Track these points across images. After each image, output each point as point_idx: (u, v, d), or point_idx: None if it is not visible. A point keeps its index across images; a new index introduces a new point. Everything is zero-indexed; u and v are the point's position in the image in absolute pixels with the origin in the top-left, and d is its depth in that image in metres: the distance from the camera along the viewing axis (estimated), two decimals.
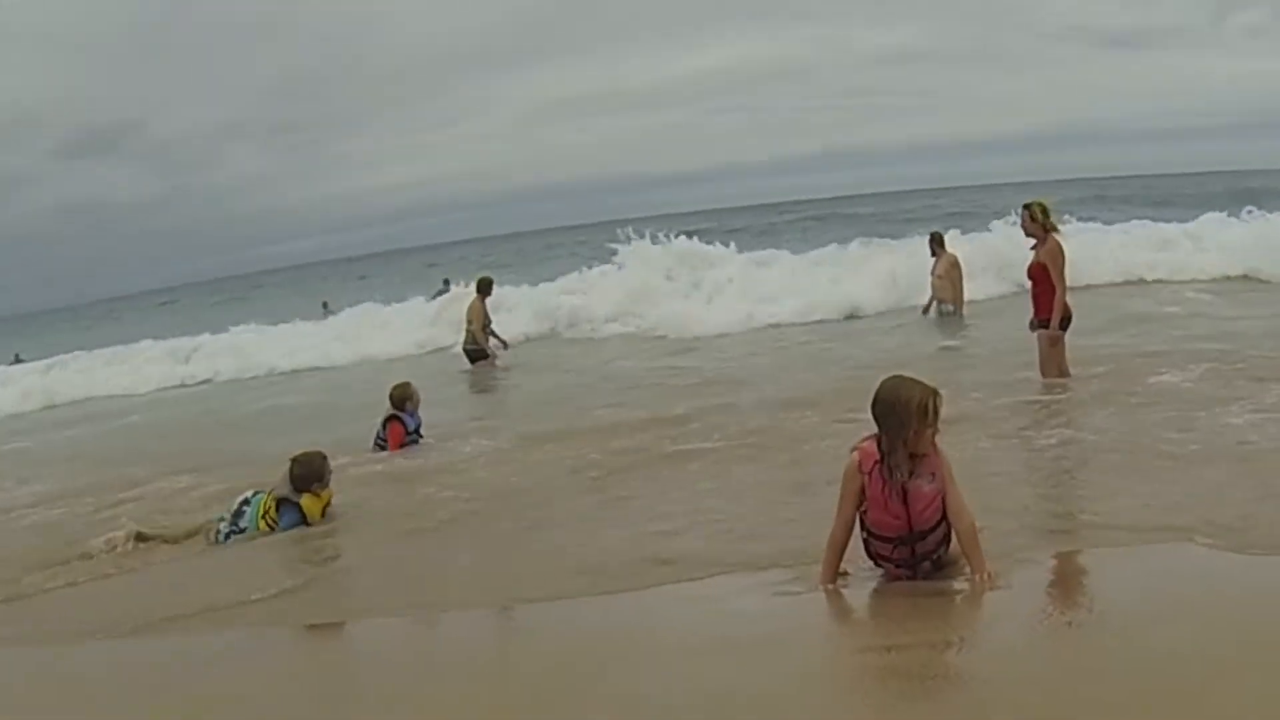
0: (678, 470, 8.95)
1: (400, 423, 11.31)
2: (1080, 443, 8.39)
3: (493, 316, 18.75)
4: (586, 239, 62.46)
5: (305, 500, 8.13)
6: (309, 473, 8.18)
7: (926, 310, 17.95)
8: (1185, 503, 6.48)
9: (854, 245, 24.95)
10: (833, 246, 25.42)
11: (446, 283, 31.25)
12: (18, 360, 32.65)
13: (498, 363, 18.35)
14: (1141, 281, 19.91)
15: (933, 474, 5.43)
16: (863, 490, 5.49)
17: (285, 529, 8.06)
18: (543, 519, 8.08)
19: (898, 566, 5.64)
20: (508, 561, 7.28)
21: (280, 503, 8.14)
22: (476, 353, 18.30)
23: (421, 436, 11.52)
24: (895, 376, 5.54)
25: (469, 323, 18.41)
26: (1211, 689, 4.00)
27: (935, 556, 5.63)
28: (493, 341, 18.68)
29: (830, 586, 5.62)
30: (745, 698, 4.41)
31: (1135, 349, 12.24)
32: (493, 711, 4.60)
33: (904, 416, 5.33)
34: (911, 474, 5.40)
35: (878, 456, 5.43)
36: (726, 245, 25.85)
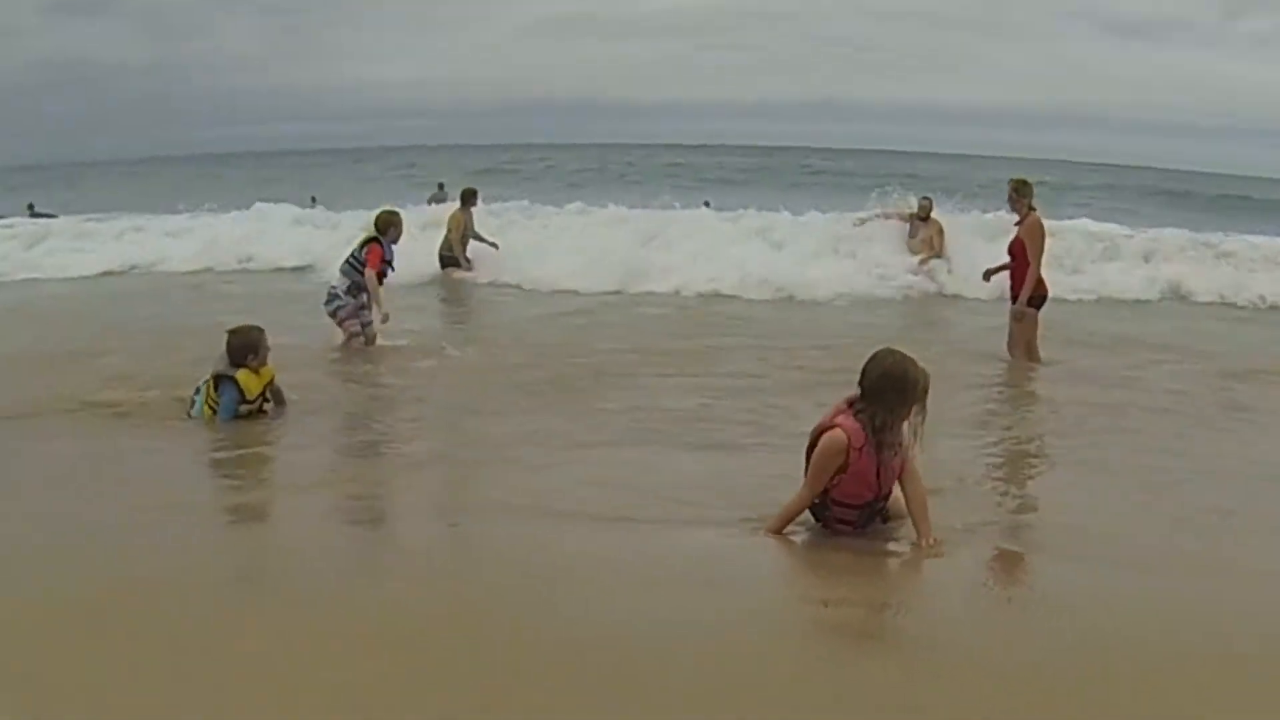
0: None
1: (380, 245, 11.30)
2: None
3: (477, 228, 18.63)
4: (572, 160, 62.31)
5: (241, 375, 8.01)
6: (245, 344, 8.03)
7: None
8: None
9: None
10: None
11: (441, 187, 30.82)
12: (34, 212, 31.32)
13: (466, 274, 18.17)
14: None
15: (897, 446, 5.46)
16: (846, 465, 5.46)
17: (225, 407, 7.98)
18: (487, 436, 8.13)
19: (853, 528, 5.68)
20: (455, 477, 7.28)
21: (218, 380, 8.03)
22: (449, 259, 18.24)
23: (393, 269, 11.55)
24: (896, 352, 5.48)
25: (448, 230, 18.33)
26: (1151, 673, 4.09)
27: (882, 512, 5.74)
28: (477, 247, 18.51)
29: (772, 534, 5.61)
30: (685, 630, 4.43)
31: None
32: (432, 618, 4.58)
33: (909, 397, 5.34)
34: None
35: (866, 434, 5.41)
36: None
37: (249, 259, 20.11)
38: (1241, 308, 16.64)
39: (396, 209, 12.03)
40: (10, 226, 24.23)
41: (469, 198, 18.67)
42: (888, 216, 18.77)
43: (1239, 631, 4.56)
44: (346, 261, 11.46)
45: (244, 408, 8.04)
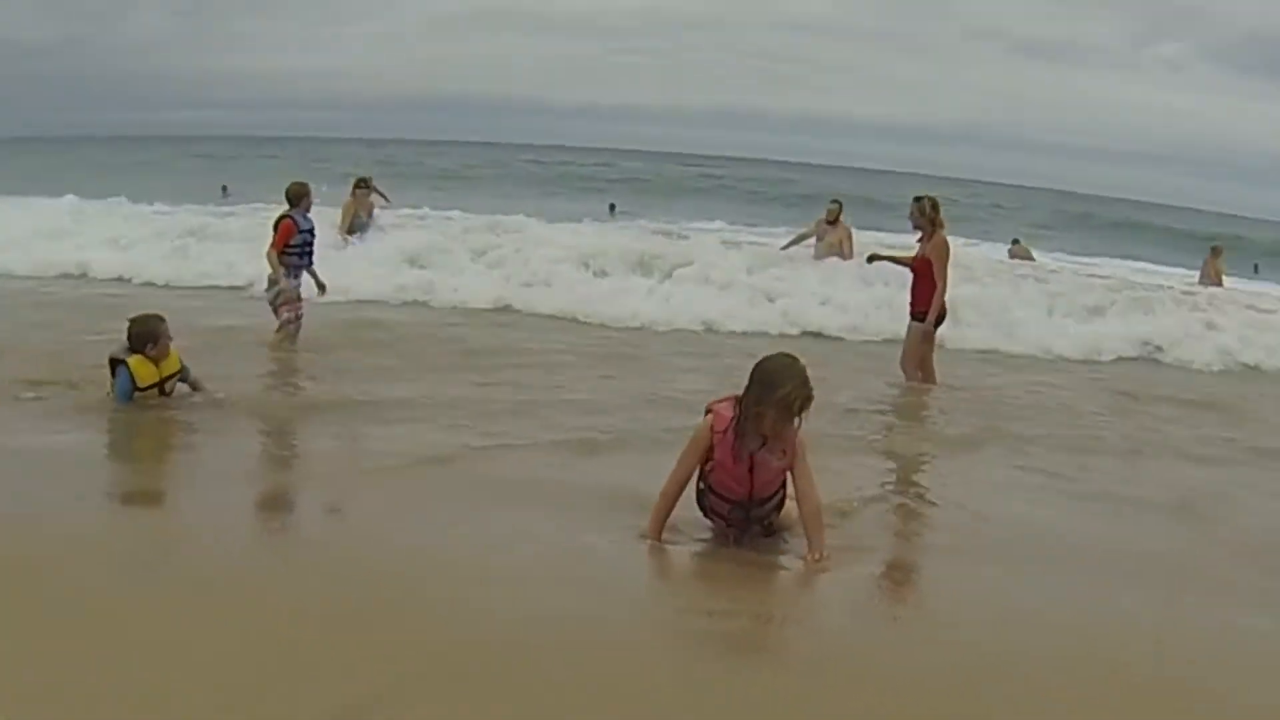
0: None
1: (292, 221, 10.99)
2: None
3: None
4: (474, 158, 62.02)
5: (134, 361, 7.88)
6: (143, 332, 7.91)
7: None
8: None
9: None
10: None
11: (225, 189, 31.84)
12: None
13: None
14: None
15: (784, 452, 5.41)
16: (710, 450, 5.46)
17: (119, 390, 7.89)
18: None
19: (729, 525, 5.65)
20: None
21: (112, 363, 7.93)
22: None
23: (314, 238, 11.28)
24: (788, 357, 5.43)
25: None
26: (1033, 685, 4.12)
27: (767, 521, 5.67)
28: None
29: (656, 542, 5.54)
30: (565, 631, 4.42)
31: None
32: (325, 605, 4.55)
33: (770, 394, 5.25)
34: (763, 446, 5.37)
35: (731, 422, 5.39)
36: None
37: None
38: None
39: (305, 180, 11.64)
40: None
41: (360, 184, 18.51)
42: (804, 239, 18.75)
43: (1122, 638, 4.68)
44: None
45: (138, 395, 7.94)
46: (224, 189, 35.21)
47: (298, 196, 11.13)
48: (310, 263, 11.32)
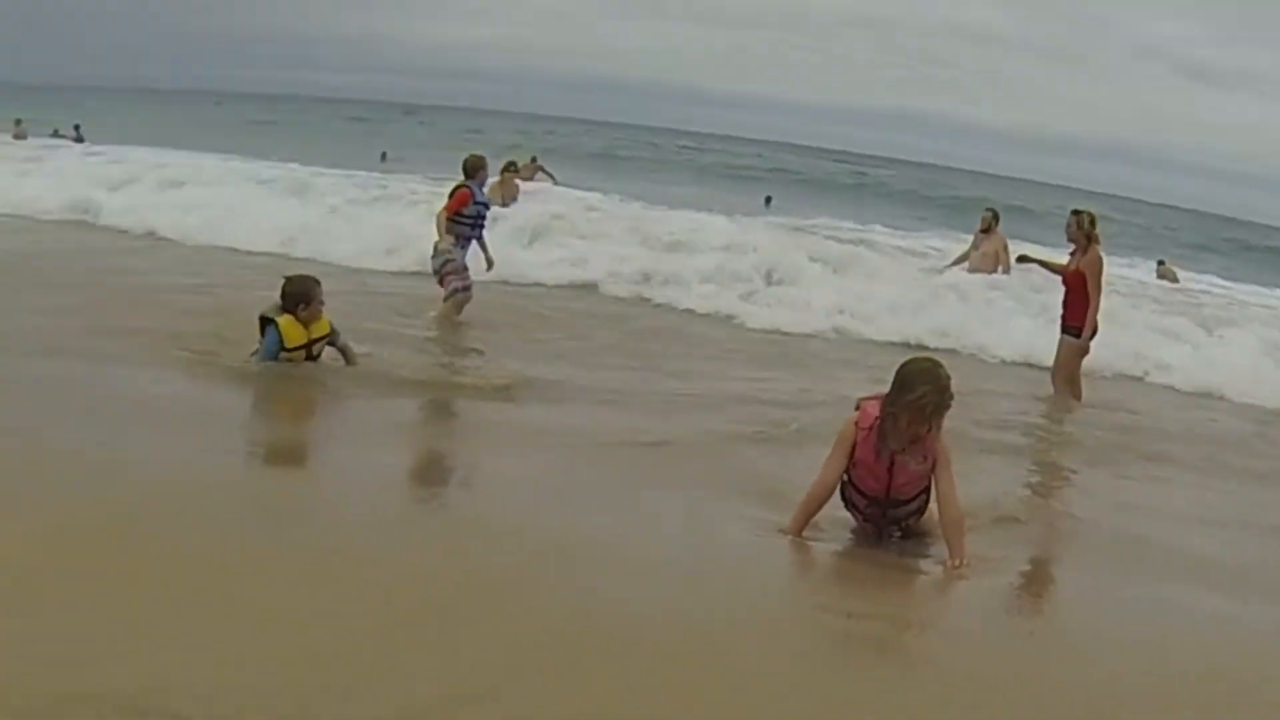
0: None
1: (469, 190, 11.18)
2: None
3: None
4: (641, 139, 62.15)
5: (284, 321, 7.90)
6: (295, 291, 7.91)
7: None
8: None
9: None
10: None
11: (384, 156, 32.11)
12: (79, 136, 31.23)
13: None
14: None
15: (925, 456, 5.46)
16: (855, 447, 5.54)
17: (266, 349, 7.92)
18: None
19: (866, 520, 5.74)
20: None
21: (262, 322, 7.97)
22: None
23: (488, 210, 11.59)
24: (928, 360, 5.58)
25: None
26: (1168, 697, 4.11)
27: (905, 524, 5.73)
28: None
29: (795, 538, 5.61)
30: (700, 627, 4.43)
31: None
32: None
33: (902, 395, 5.34)
34: (904, 449, 5.45)
35: (875, 420, 5.47)
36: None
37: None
38: None
39: (481, 153, 11.82)
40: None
41: (509, 168, 18.43)
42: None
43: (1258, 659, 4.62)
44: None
45: (284, 355, 7.94)
46: (383, 155, 36.04)
47: (475, 168, 11.29)
48: (480, 235, 11.43)
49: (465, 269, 11.11)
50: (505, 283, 13.03)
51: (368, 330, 9.28)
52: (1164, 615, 5.28)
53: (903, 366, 5.48)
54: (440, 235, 10.95)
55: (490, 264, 11.58)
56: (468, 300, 11.06)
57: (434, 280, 11.18)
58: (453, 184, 11.50)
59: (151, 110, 56.18)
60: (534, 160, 28.21)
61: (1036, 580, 5.86)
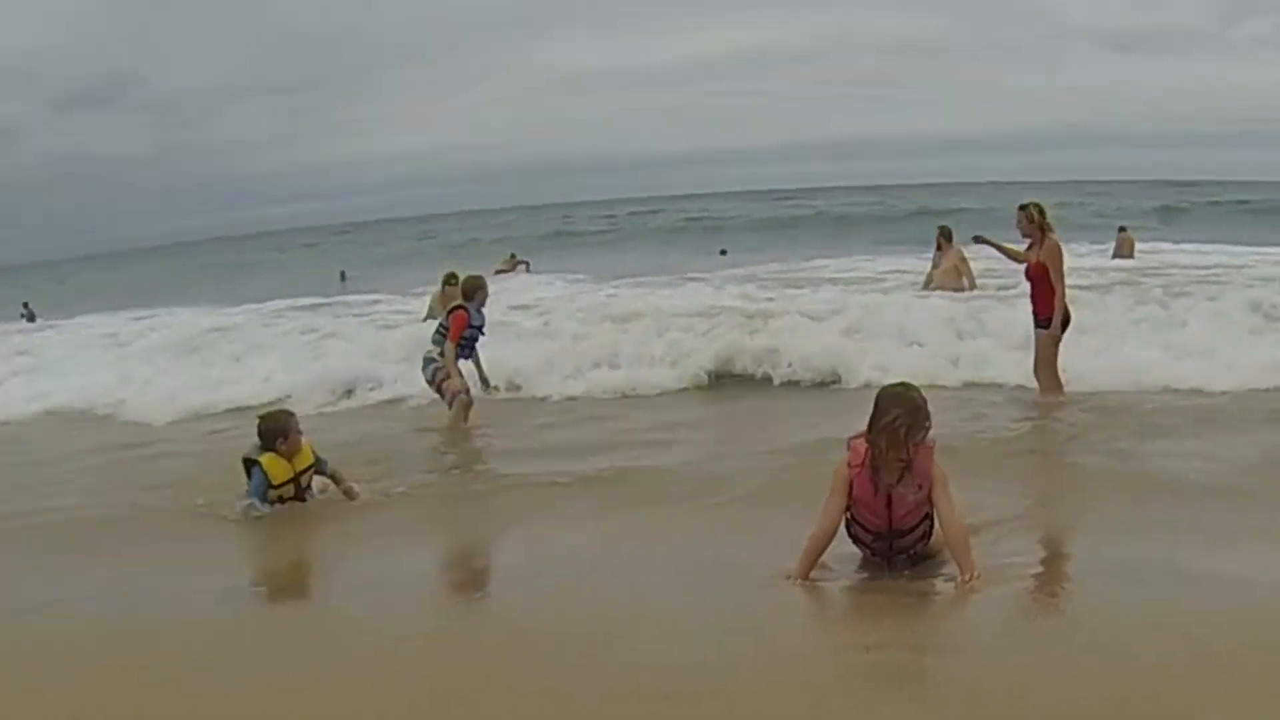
0: None
1: (466, 312, 11.15)
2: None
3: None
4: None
5: (266, 459, 7.89)
6: (272, 427, 7.92)
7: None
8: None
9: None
10: None
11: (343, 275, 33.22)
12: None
13: None
14: None
15: (920, 485, 5.52)
16: (851, 486, 5.56)
17: (253, 491, 7.87)
18: None
19: (874, 554, 5.76)
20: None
21: (246, 464, 7.96)
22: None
23: (483, 334, 11.43)
24: (901, 385, 5.66)
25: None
26: (1191, 704, 4.03)
27: (912, 552, 5.75)
28: None
29: (803, 582, 5.60)
30: (721, 678, 4.44)
31: None
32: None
33: (876, 420, 5.44)
34: (899, 480, 5.50)
35: (865, 455, 5.52)
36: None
37: None
38: None
39: (480, 274, 11.88)
40: None
41: (450, 280, 17.41)
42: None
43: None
44: (437, 330, 11.35)
45: (273, 493, 7.91)
46: (342, 275, 36.52)
47: (473, 290, 11.34)
48: (471, 354, 11.40)
49: (459, 371, 11.12)
50: None
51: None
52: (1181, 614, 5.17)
53: (878, 394, 5.58)
54: (450, 362, 11.00)
55: (486, 384, 11.55)
56: (470, 404, 11.12)
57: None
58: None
59: (99, 275, 56.55)
60: (513, 256, 30.41)
61: (1048, 584, 5.80)
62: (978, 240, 11.73)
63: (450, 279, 17.54)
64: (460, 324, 11.07)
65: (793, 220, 53.44)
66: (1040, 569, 5.96)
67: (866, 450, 5.51)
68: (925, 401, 5.48)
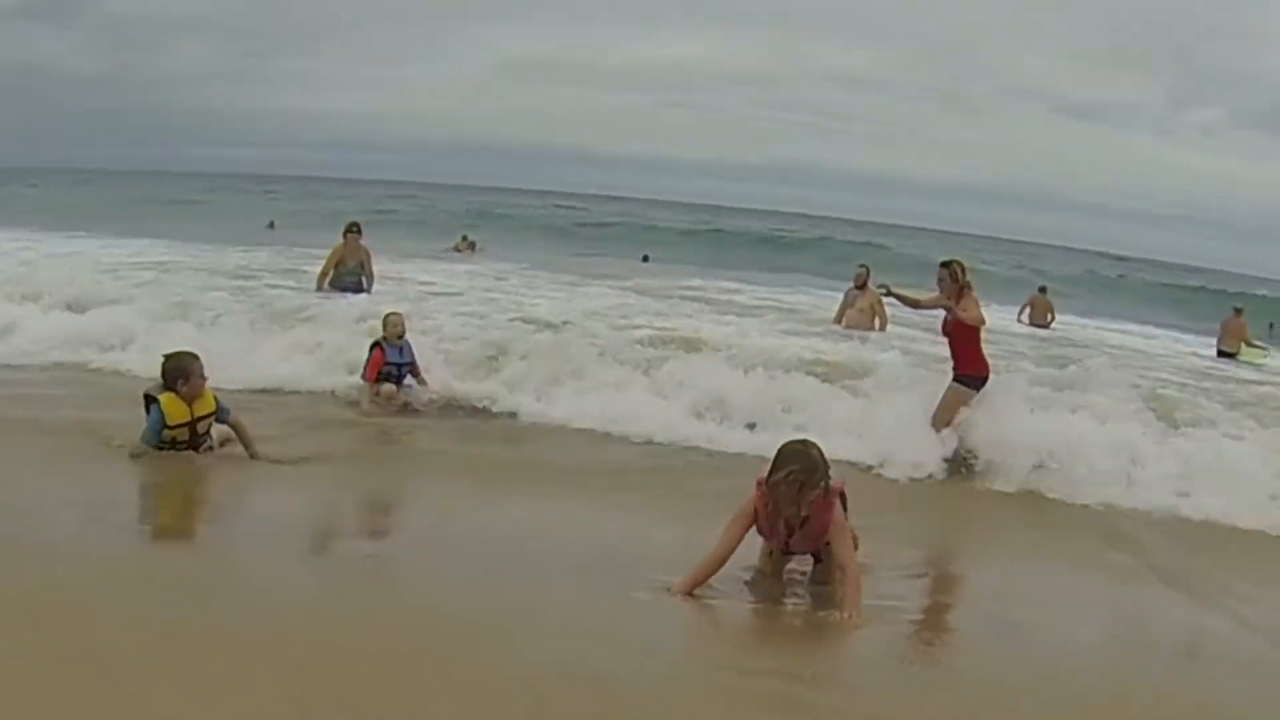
0: None
1: (381, 349, 10.58)
2: None
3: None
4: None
5: (165, 398, 7.82)
6: (175, 368, 7.83)
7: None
8: None
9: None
10: None
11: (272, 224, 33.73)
12: None
13: None
14: None
15: (816, 538, 5.86)
16: (756, 519, 5.83)
17: (149, 428, 7.82)
18: None
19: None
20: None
21: (146, 400, 7.90)
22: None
23: (408, 373, 10.67)
24: (801, 442, 5.84)
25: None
26: None
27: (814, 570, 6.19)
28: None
29: (681, 596, 5.69)
30: (595, 687, 4.44)
31: None
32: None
33: (774, 482, 5.68)
34: (798, 530, 5.83)
35: (764, 506, 5.78)
36: None
37: None
38: None
39: (398, 311, 11.14)
40: None
41: (351, 228, 16.78)
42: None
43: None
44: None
45: (168, 433, 7.83)
46: (271, 224, 36.61)
47: (386, 325, 10.74)
48: (404, 383, 10.69)
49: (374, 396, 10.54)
50: None
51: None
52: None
53: (778, 448, 5.81)
54: (366, 402, 10.46)
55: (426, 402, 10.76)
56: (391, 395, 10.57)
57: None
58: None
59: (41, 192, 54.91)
60: (465, 238, 31.26)
61: (926, 627, 5.97)
62: (884, 290, 11.43)
63: (352, 227, 16.77)
64: (375, 364, 10.53)
65: (720, 237, 53.45)
66: (921, 613, 6.13)
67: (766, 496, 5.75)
68: (823, 458, 5.68)
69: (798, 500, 5.63)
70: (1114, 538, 8.17)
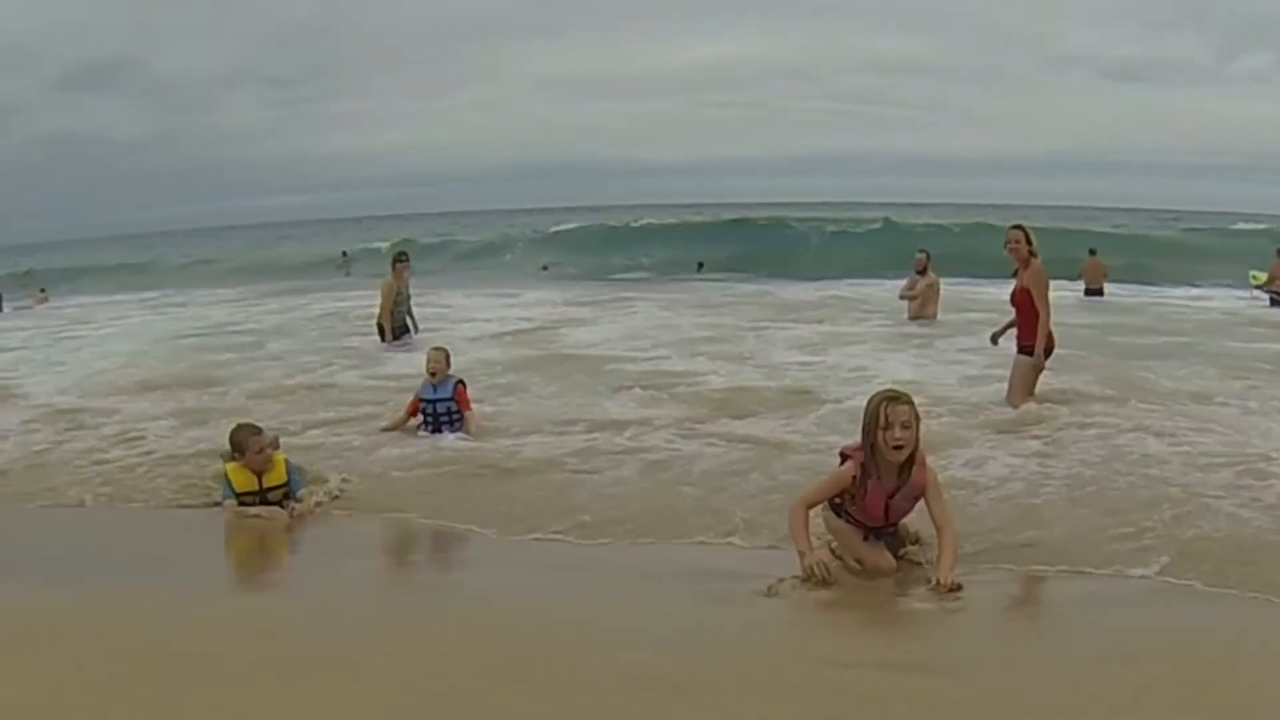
0: None
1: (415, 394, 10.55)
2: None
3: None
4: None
5: (230, 468, 7.95)
6: (233, 441, 7.94)
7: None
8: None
9: None
10: None
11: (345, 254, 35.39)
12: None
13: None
14: None
15: (916, 498, 5.95)
16: (852, 485, 5.98)
17: (223, 493, 8.00)
18: None
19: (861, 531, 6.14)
20: None
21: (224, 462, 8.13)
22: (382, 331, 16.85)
23: (437, 410, 10.38)
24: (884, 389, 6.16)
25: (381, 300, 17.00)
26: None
27: (891, 539, 6.21)
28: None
29: (808, 547, 5.83)
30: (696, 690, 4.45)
31: None
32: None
33: (866, 427, 5.88)
34: (898, 491, 5.91)
35: (863, 467, 5.92)
36: None
37: None
38: None
39: (441, 346, 11.05)
40: None
41: (400, 258, 17.21)
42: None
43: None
44: None
45: (242, 500, 7.90)
46: (344, 254, 38.28)
47: (428, 361, 10.59)
48: (441, 429, 10.41)
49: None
50: None
51: None
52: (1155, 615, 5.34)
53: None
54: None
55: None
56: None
57: None
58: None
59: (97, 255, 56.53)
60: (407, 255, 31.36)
61: (1028, 600, 5.99)
62: (995, 340, 11.44)
63: (400, 256, 17.26)
64: (412, 407, 10.53)
65: (756, 234, 52.68)
66: (1016, 587, 6.06)
67: (862, 461, 5.91)
68: (903, 392, 5.99)
69: (886, 417, 5.76)
70: None
